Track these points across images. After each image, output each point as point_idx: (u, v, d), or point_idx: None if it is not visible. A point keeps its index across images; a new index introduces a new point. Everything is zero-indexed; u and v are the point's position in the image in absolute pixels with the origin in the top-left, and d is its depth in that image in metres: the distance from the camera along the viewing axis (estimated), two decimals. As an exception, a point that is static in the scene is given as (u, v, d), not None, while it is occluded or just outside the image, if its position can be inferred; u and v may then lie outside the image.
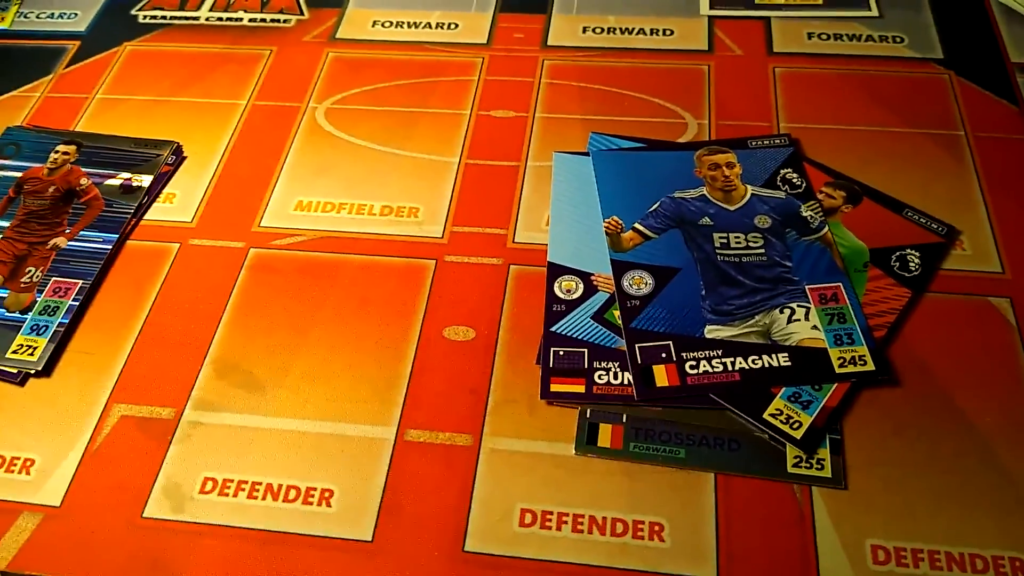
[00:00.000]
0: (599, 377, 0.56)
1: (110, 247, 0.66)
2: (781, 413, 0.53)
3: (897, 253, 0.61)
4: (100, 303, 0.63)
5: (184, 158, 0.73)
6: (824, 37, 0.79)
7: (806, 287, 0.59)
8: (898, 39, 0.79)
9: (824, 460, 0.52)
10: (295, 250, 0.66)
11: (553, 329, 0.59)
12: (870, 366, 0.55)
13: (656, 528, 0.50)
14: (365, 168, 0.71)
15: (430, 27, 0.84)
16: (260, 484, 0.53)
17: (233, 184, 0.71)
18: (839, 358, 0.56)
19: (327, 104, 0.76)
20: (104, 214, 0.68)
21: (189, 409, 0.57)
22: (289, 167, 0.71)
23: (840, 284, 0.59)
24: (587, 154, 0.69)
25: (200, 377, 0.58)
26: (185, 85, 0.79)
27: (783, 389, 0.54)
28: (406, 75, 0.78)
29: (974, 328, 0.58)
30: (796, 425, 0.53)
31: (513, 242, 0.65)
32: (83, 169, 0.71)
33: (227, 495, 0.53)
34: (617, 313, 0.59)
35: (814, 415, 0.53)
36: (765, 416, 0.53)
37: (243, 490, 0.53)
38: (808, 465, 0.52)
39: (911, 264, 0.61)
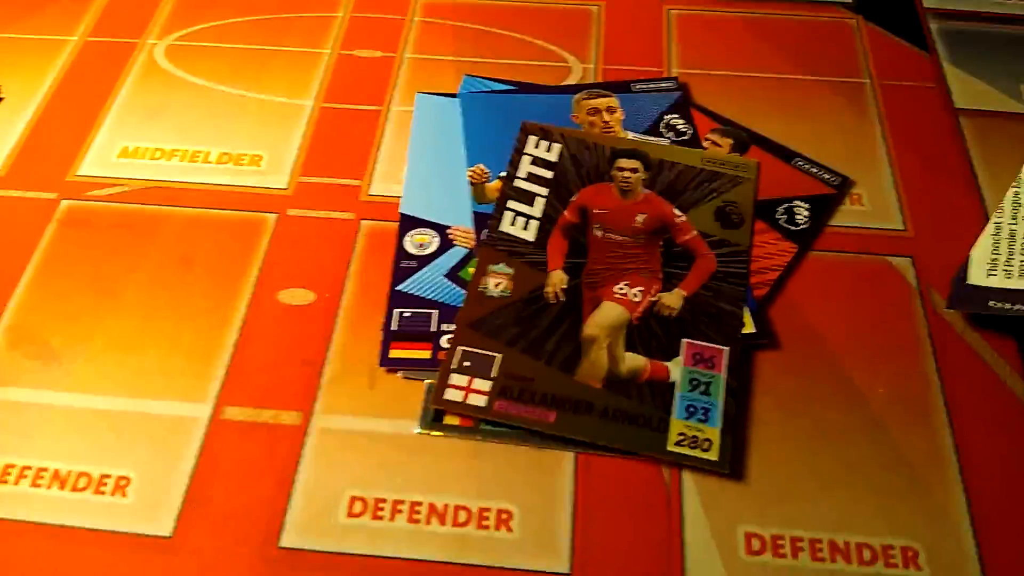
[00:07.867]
0: (447, 341, 0.49)
1: (-100, 199, 0.57)
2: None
3: (784, 205, 0.55)
4: None
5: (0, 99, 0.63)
6: (726, -23, 0.73)
7: (687, 244, 0.53)
8: (805, -20, 0.72)
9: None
10: (114, 202, 0.57)
11: (400, 288, 0.52)
12: (749, 327, 0.49)
13: (504, 516, 0.44)
14: (204, 111, 0.62)
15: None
16: (46, 471, 0.45)
17: (51, 128, 0.62)
18: (718, 322, 0.50)
19: (169, 40, 0.67)
20: None
21: (-28, 384, 0.49)
22: (118, 110, 0.62)
23: (724, 241, 0.53)
24: (454, 96, 0.62)
25: (-13, 347, 0.50)
26: (11, 20, 0.69)
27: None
28: (261, 10, 0.70)
29: (870, 289, 0.53)
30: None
31: (368, 195, 0.57)
32: None
33: (7, 483, 0.45)
34: (474, 270, 0.52)
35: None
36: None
37: (25, 477, 0.45)
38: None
39: (799, 217, 0.55)
